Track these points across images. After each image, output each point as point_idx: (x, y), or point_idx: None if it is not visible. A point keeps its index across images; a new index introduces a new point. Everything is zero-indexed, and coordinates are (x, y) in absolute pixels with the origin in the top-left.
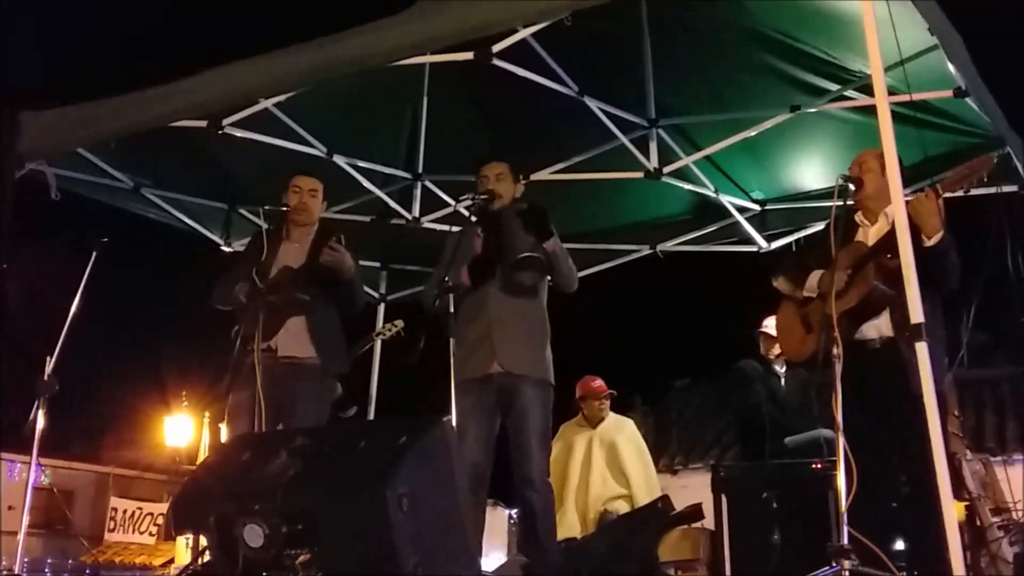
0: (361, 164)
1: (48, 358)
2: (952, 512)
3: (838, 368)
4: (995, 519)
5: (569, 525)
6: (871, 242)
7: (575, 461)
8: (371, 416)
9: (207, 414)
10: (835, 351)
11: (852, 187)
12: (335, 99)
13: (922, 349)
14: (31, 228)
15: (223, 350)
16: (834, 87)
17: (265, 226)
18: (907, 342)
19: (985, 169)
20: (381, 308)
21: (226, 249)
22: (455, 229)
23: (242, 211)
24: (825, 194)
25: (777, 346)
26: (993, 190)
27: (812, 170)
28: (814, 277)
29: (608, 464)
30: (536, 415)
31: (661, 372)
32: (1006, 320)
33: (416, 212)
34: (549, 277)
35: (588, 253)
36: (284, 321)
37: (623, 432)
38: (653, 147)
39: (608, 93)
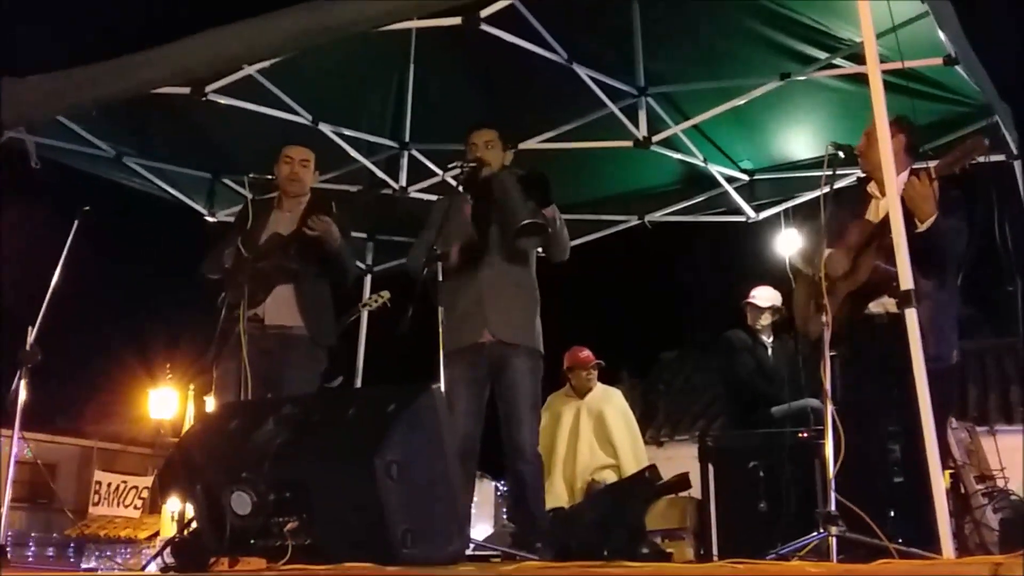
0: (347, 132)
1: (30, 327)
2: (940, 479)
3: (827, 335)
4: (979, 486)
5: (557, 495)
6: (879, 217)
7: (563, 431)
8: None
9: (192, 386)
10: (823, 318)
11: (842, 155)
12: (321, 66)
13: (911, 315)
14: (11, 196)
15: (209, 320)
16: (823, 55)
17: (250, 196)
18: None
19: (979, 151)
20: (368, 279)
21: (210, 219)
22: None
23: (226, 181)
24: (814, 164)
25: (764, 316)
26: (981, 159)
27: (801, 140)
28: (826, 256)
29: (596, 434)
30: (526, 385)
31: (649, 344)
32: (992, 291)
33: (403, 181)
34: (541, 246)
35: (576, 223)
36: (272, 289)
37: (611, 402)
38: (642, 116)
39: (597, 60)
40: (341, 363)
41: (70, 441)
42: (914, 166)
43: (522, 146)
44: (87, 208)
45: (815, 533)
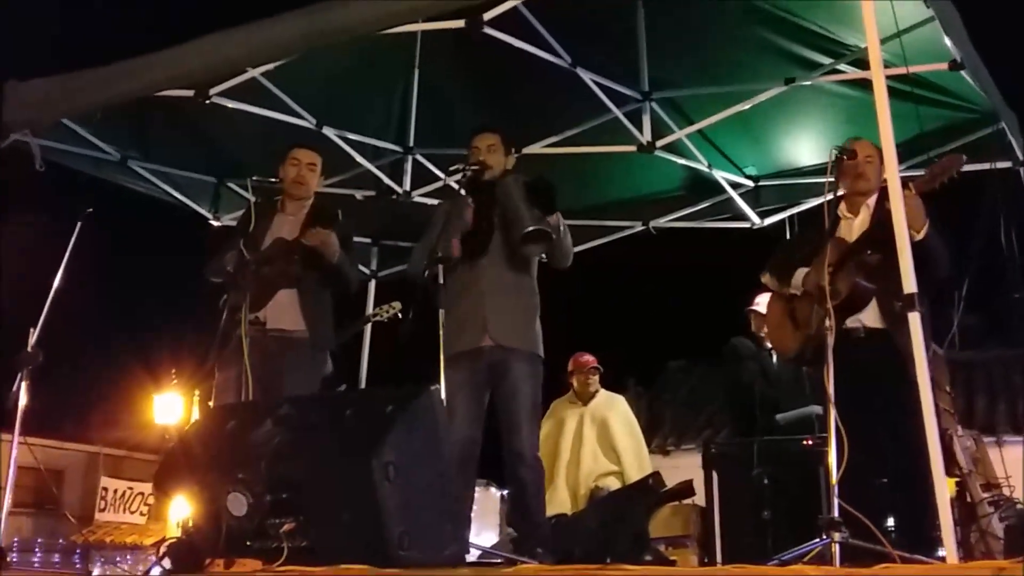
0: (351, 137)
1: (31, 329)
2: (944, 487)
3: (830, 340)
4: (985, 495)
5: (559, 502)
6: (853, 236)
7: (566, 438)
8: None
9: (197, 392)
10: (827, 323)
11: (847, 158)
12: (325, 69)
13: (915, 319)
14: (15, 199)
15: (212, 324)
16: (828, 60)
17: (253, 199)
18: (898, 328)
19: (955, 167)
20: (372, 285)
21: (215, 223)
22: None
23: (231, 184)
24: (819, 170)
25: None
26: (987, 166)
27: (806, 145)
28: (799, 275)
29: (599, 441)
30: (526, 390)
31: (655, 352)
32: (999, 300)
33: (407, 186)
34: (544, 253)
35: (580, 229)
36: (274, 293)
37: (614, 408)
38: (646, 120)
39: (601, 65)
40: (344, 367)
41: (76, 447)
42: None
43: (525, 150)
44: (90, 210)
45: (818, 540)
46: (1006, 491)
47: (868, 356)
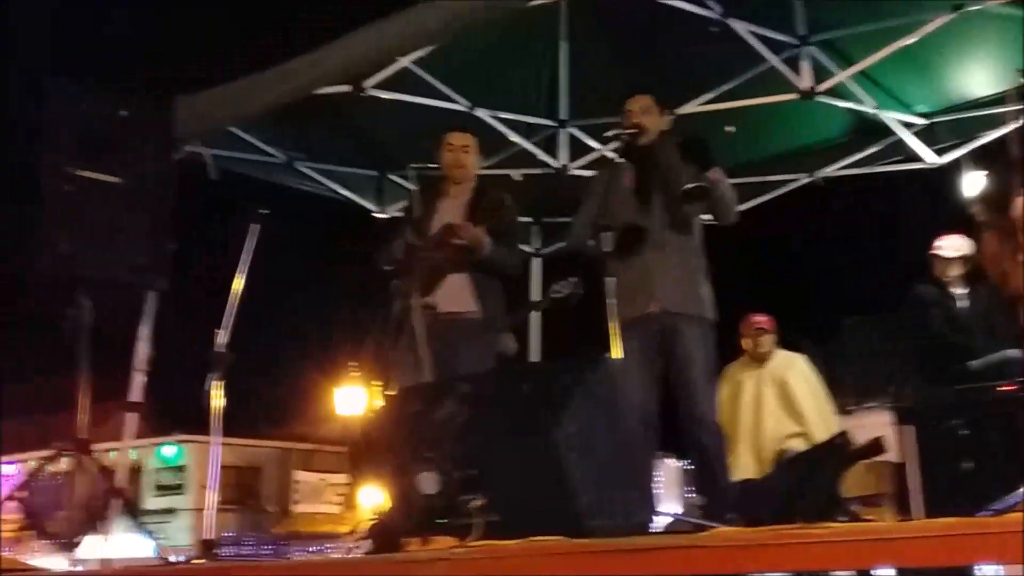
0: (504, 116)
1: (219, 331)
2: None
3: None
4: None
5: (743, 467)
6: None
7: (745, 402)
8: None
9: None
10: None
11: None
12: (473, 51)
13: None
14: (193, 208)
15: (385, 313)
16: None
17: (415, 187)
18: None
19: None
20: (536, 263)
21: (380, 216)
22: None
23: (392, 177)
24: (996, 100)
25: (952, 267)
26: None
27: (980, 76)
28: (1021, 202)
29: (780, 402)
30: (699, 354)
31: (830, 309)
32: None
33: (563, 160)
34: (708, 211)
35: (744, 186)
36: (444, 278)
37: (793, 368)
38: (805, 66)
39: (753, 12)
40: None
41: (270, 444)
42: None
43: (680, 110)
44: (265, 211)
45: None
46: None
47: None
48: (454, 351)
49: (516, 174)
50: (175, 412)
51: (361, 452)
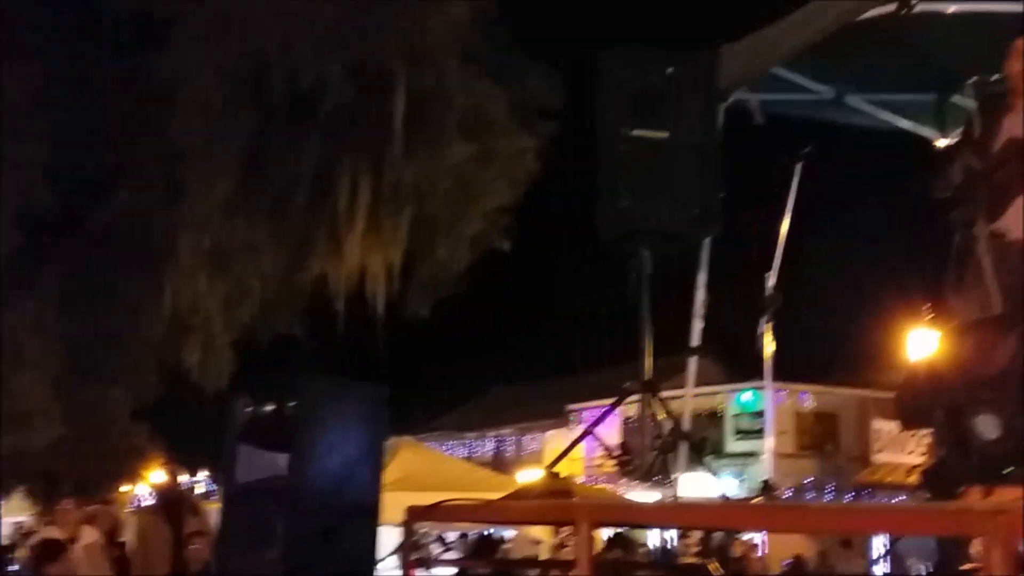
0: None
1: (766, 274)
2: None
3: None
4: None
5: None
6: None
7: None
8: None
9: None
10: None
11: None
12: None
13: None
14: (739, 154)
15: (946, 245)
16: None
17: (975, 103)
18: None
19: None
20: None
21: (940, 143)
22: None
23: (953, 99)
24: None
25: None
26: None
27: None
28: None
29: None
30: None
31: None
32: None
33: None
34: None
35: None
36: (1012, 200)
37: None
38: None
39: None
40: None
41: (847, 391)
42: None
43: None
44: (808, 149)
45: None
46: None
47: None
48: None
49: None
50: (750, 359)
51: (910, 394)
